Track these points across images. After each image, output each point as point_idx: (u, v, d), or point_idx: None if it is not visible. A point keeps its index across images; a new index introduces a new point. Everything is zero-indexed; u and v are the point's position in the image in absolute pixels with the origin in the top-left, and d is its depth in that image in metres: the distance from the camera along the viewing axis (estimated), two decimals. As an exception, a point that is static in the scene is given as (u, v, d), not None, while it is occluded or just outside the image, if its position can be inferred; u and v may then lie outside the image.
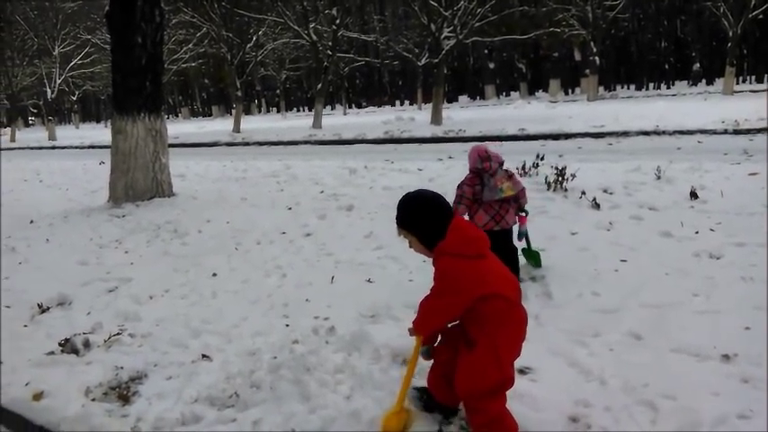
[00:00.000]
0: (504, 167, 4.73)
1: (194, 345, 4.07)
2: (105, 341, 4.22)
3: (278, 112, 61.09)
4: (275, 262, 5.84)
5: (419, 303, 2.79)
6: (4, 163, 21.76)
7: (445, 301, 2.66)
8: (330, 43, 28.07)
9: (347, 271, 5.43)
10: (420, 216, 2.70)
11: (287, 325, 4.28)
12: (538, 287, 4.62)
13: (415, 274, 5.13)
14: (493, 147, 4.92)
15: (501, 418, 2.68)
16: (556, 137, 16.26)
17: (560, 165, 8.56)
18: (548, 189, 8.06)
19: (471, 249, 2.62)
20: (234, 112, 32.89)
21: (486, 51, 49.85)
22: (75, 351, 4.12)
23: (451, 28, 23.87)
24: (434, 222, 2.65)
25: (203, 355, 3.89)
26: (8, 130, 50.12)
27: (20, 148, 34.34)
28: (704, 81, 46.77)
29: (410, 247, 2.80)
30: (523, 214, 4.83)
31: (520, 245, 4.97)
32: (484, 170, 4.64)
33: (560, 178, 8.10)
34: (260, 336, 4.10)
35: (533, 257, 5.04)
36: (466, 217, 4.75)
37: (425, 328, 2.84)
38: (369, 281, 5.13)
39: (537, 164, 9.36)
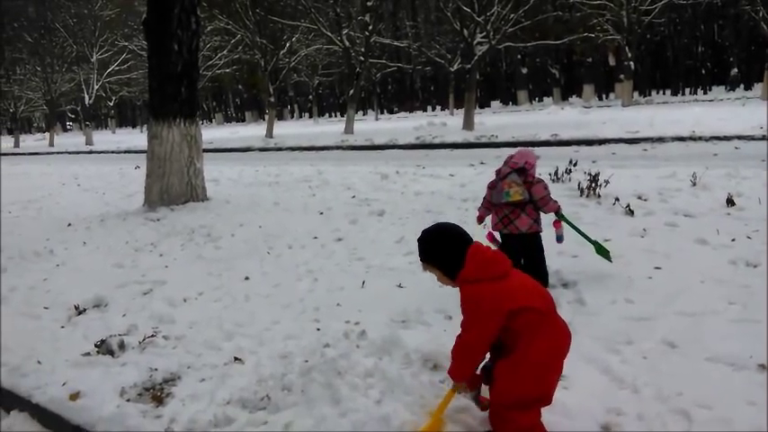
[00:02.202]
0: (534, 173, 4.73)
1: (227, 347, 4.11)
2: (140, 343, 4.29)
3: (310, 117, 61.56)
4: (307, 266, 5.88)
5: (451, 351, 2.83)
6: (43, 167, 22.27)
7: (476, 332, 2.68)
8: (363, 49, 28.20)
9: (378, 276, 5.45)
10: (438, 248, 2.79)
11: (318, 329, 4.30)
12: (570, 294, 4.58)
13: (446, 279, 5.12)
14: (529, 152, 4.89)
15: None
16: (589, 143, 16.10)
17: (593, 171, 8.48)
18: (580, 195, 7.99)
19: (490, 271, 2.65)
20: (267, 117, 33.20)
21: (519, 57, 49.64)
22: (111, 352, 4.19)
23: (484, 33, 23.79)
24: (452, 253, 2.73)
25: (236, 358, 3.93)
26: (47, 134, 51.27)
27: (58, 153, 35.09)
28: (742, 86, 45.86)
29: (438, 281, 2.88)
30: (557, 220, 4.81)
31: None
32: (496, 173, 4.81)
33: (593, 184, 8.02)
34: (291, 339, 4.13)
35: (602, 252, 4.99)
36: (488, 220, 4.91)
37: (464, 369, 2.83)
38: (399, 286, 5.14)
39: (570, 170, 9.29)
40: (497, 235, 4.88)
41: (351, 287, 5.22)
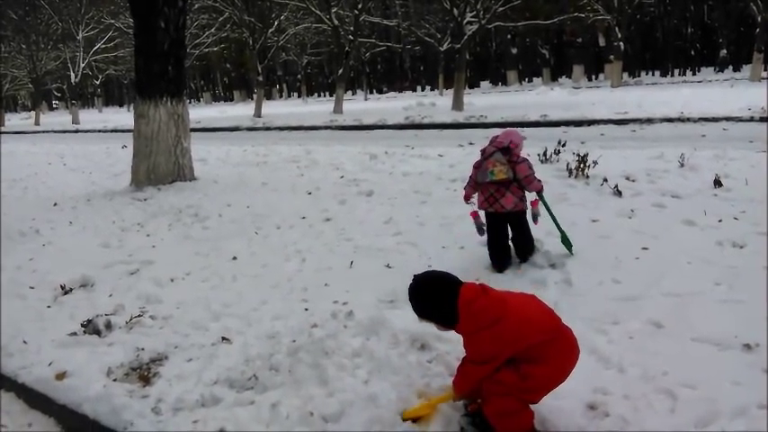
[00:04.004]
0: (519, 152, 4.75)
1: (214, 327, 4.11)
2: (127, 323, 4.28)
3: (299, 97, 61.15)
4: (295, 246, 5.87)
5: (458, 368, 2.89)
6: (29, 146, 22.04)
7: (481, 368, 2.70)
8: (352, 28, 27.96)
9: (366, 256, 5.44)
10: (430, 304, 2.78)
11: (306, 309, 4.30)
12: (558, 274, 4.59)
13: (435, 260, 5.13)
14: (515, 132, 4.91)
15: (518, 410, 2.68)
16: (578, 123, 16.10)
17: (582, 151, 8.48)
18: (569, 176, 7.99)
19: (485, 319, 2.64)
20: (255, 96, 32.96)
21: (508, 37, 49.45)
22: (98, 332, 4.18)
23: (474, 13, 23.65)
24: (444, 306, 2.72)
25: (223, 338, 3.93)
26: (33, 113, 50.72)
27: (44, 132, 34.72)
28: (731, 67, 45.90)
29: (438, 329, 2.93)
30: (536, 198, 4.84)
31: (538, 227, 4.98)
32: (481, 152, 4.87)
33: (582, 165, 8.02)
34: (279, 319, 4.13)
35: (565, 243, 5.01)
36: (474, 199, 4.96)
37: (467, 387, 2.86)
38: (388, 266, 5.14)
39: (558, 150, 9.28)
40: (482, 214, 4.90)
41: (339, 267, 5.21)
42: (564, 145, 9.47)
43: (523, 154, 4.91)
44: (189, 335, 4.05)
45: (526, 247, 4.90)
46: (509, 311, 2.65)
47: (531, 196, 4.88)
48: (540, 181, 4.86)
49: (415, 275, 2.87)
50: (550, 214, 5.02)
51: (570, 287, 4.37)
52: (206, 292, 4.84)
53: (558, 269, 4.70)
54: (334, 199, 7.74)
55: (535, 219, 4.89)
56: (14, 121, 54.65)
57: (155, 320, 4.34)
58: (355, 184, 8.66)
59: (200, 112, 36.13)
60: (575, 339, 2.73)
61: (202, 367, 3.57)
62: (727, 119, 14.24)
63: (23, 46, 43.98)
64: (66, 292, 5.05)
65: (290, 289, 4.78)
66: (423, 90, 58.40)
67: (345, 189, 8.33)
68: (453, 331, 2.80)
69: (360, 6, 27.09)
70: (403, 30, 41.53)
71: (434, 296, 2.75)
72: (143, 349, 3.85)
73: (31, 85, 50.33)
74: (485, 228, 4.92)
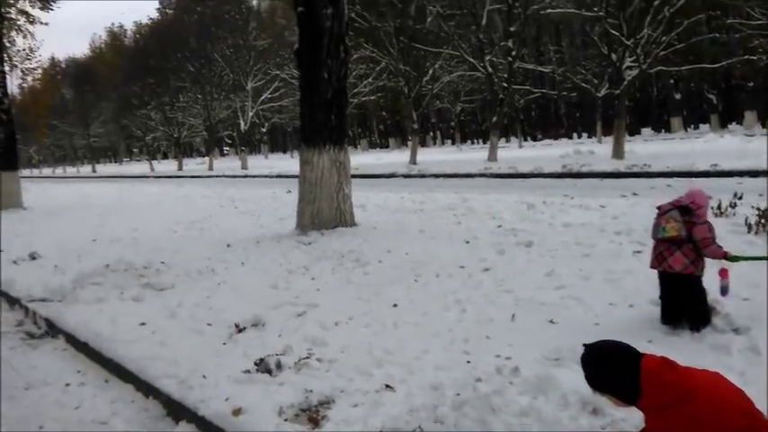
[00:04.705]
0: (702, 214, 4.44)
1: (378, 374, 4.17)
2: (295, 363, 4.45)
3: (453, 144, 61.90)
4: (454, 296, 5.86)
5: None
6: (204, 189, 23.87)
7: None
8: (506, 75, 28.07)
9: (528, 309, 5.32)
10: (607, 378, 2.61)
11: (468, 361, 4.26)
12: (743, 340, 4.22)
13: (602, 317, 4.92)
14: (698, 188, 4.62)
15: None
16: (755, 174, 14.94)
17: (762, 205, 7.86)
18: (748, 231, 7.41)
19: (674, 395, 2.43)
20: (410, 143, 33.76)
21: (671, 81, 47.22)
22: (269, 371, 4.37)
23: (634, 57, 22.87)
24: (623, 382, 2.54)
25: (387, 386, 3.97)
26: (206, 159, 55.12)
27: (216, 176, 37.53)
28: None
29: (613, 405, 2.75)
30: (723, 268, 4.46)
31: (726, 300, 4.60)
32: (657, 209, 4.67)
33: (763, 220, 7.42)
34: (442, 370, 4.12)
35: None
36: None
37: None
38: (551, 321, 4.99)
39: (734, 203, 8.67)
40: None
41: (500, 319, 5.13)
42: (740, 197, 8.84)
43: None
44: (353, 379, 4.13)
45: (697, 317, 4.46)
46: (699, 388, 2.43)
47: (714, 264, 4.51)
48: (721, 248, 4.45)
49: (587, 345, 2.73)
50: (755, 258, 4.73)
51: (757, 356, 4.00)
52: (368, 338, 4.93)
53: (742, 334, 4.32)
54: (493, 248, 7.67)
55: (723, 292, 4.49)
56: (191, 165, 59.61)
57: (321, 363, 4.47)
58: (513, 233, 8.54)
59: (358, 159, 37.40)
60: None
61: (367, 413, 3.62)
62: None
63: (199, 96, 48.43)
64: (239, 331, 5.34)
65: (451, 339, 4.76)
66: (579, 137, 57.05)
67: (503, 239, 8.25)
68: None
69: (513, 53, 27.18)
70: (558, 76, 41.07)
71: (613, 369, 2.58)
72: (311, 391, 3.98)
73: (205, 133, 55.08)
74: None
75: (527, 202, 11.43)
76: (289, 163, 43.96)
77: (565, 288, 5.80)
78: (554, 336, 4.58)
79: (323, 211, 9.78)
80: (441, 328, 5.02)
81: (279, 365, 4.42)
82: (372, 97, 44.87)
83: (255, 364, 4.47)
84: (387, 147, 70.59)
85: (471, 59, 28.43)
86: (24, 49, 35.91)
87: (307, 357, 4.56)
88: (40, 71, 67.15)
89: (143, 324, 5.73)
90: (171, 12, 72.66)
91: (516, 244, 7.85)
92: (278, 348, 4.79)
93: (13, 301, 7.42)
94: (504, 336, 4.71)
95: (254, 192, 20.52)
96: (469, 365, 4.18)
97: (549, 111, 62.97)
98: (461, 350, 4.51)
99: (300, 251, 8.45)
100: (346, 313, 5.58)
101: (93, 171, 68.95)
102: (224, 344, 5.09)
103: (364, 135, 78.11)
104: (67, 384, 4.95)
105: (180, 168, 50.81)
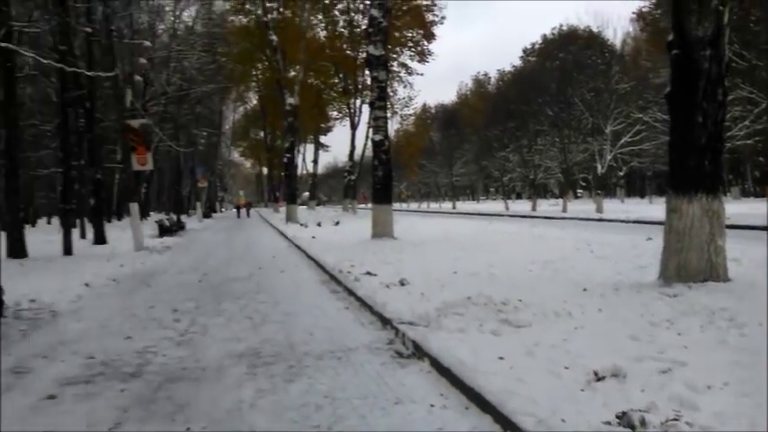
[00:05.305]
0: None
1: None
2: (662, 423, 4.16)
3: None
4: None
5: None
6: (557, 231, 23.96)
7: None
8: None
9: None
10: None
11: None
12: None
13: None
14: None
15: None
16: None
17: None
18: None
19: None
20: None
21: None
22: (632, 426, 4.16)
23: None
24: None
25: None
26: (560, 200, 55.49)
27: (570, 218, 37.37)
28: None
29: None
30: None
31: None
32: None
33: None
34: None
35: None
36: None
37: None
38: None
39: None
40: None
41: None
42: None
43: None
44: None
45: None
46: None
47: None
48: None
49: None
50: None
51: None
52: (746, 409, 4.38)
53: None
54: None
55: None
56: (544, 206, 60.44)
57: (691, 428, 4.11)
58: None
59: (730, 208, 33.96)
60: None
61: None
62: None
63: (557, 139, 49.15)
64: (598, 379, 5.18)
65: None
66: None
67: None
68: None
69: None
70: None
71: None
72: (680, 457, 3.68)
73: (560, 175, 55.48)
74: None
75: None
76: (647, 208, 41.89)
77: None
78: None
79: (691, 263, 9.08)
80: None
81: (643, 423, 4.18)
82: (749, 141, 40.54)
83: (617, 417, 4.29)
84: (762, 195, 62.85)
85: None
86: (404, 98, 40.48)
87: (675, 419, 4.23)
88: (413, 116, 75.46)
89: (501, 358, 5.90)
90: (533, 59, 75.38)
91: None
92: (641, 404, 4.53)
93: (386, 322, 8.24)
94: None
95: (611, 236, 19.94)
96: None
97: None
98: None
99: (664, 303, 7.93)
100: (721, 377, 5.04)
101: (453, 207, 73.88)
102: (582, 390, 4.99)
103: (736, 182, 70.84)
104: (432, 405, 5.30)
105: (534, 209, 51.80)
